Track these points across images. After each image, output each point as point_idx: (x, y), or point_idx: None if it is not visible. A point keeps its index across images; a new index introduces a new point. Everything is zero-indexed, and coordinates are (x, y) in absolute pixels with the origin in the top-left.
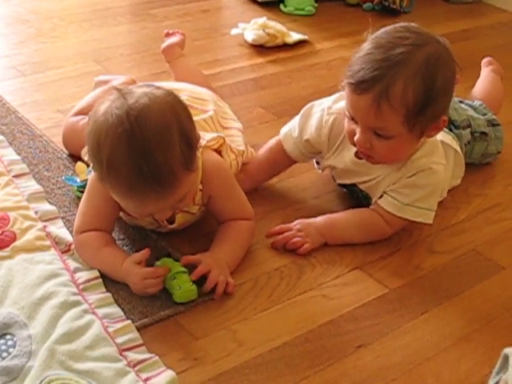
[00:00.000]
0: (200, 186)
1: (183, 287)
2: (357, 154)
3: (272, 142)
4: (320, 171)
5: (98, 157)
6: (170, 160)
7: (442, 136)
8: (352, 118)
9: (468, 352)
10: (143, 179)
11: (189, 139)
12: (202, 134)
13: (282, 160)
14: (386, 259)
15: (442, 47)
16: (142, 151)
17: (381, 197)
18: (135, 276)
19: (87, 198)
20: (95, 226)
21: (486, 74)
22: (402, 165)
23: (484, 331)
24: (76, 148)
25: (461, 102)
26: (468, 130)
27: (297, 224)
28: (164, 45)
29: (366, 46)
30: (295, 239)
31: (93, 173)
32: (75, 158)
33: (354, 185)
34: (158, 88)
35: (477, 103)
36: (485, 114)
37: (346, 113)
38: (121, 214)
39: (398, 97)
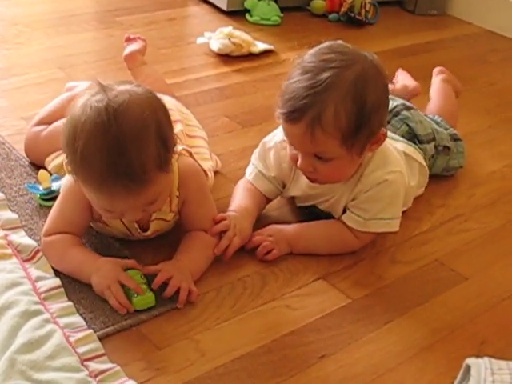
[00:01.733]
0: (177, 193)
1: (140, 294)
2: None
3: (241, 187)
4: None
5: (72, 147)
6: (144, 156)
7: (405, 148)
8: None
9: (430, 362)
10: (115, 173)
11: (165, 140)
12: None
13: (259, 198)
14: (350, 269)
15: (368, 63)
16: (116, 145)
17: (344, 212)
18: (110, 272)
19: (59, 204)
20: (63, 229)
21: (439, 85)
22: (358, 180)
23: (446, 341)
24: (38, 158)
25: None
26: (432, 144)
27: (268, 229)
28: (126, 52)
29: (294, 73)
30: (265, 243)
31: (65, 180)
32: (38, 165)
33: (313, 206)
34: (139, 86)
35: (438, 118)
36: (447, 129)
37: (287, 140)
38: (91, 223)
39: (330, 122)
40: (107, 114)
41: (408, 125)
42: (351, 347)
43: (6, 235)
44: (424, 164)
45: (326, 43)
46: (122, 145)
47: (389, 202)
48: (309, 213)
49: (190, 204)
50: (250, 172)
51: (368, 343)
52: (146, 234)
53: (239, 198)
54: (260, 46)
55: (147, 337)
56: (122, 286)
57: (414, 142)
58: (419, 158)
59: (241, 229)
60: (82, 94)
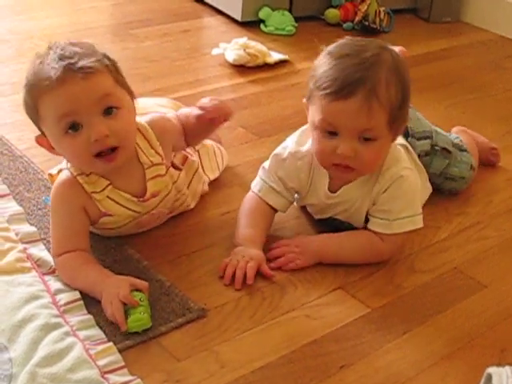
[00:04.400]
0: (158, 143)
1: (132, 316)
2: (330, 187)
3: (248, 205)
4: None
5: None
6: (93, 51)
7: (404, 141)
8: (330, 133)
9: (451, 371)
10: (65, 57)
11: (117, 68)
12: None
13: (267, 214)
14: (368, 279)
15: (395, 52)
16: (68, 46)
17: (367, 221)
18: (116, 288)
19: (53, 222)
20: (70, 246)
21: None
22: (375, 181)
23: (466, 350)
24: None
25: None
26: (426, 141)
27: (295, 240)
28: None
29: (328, 60)
30: (290, 254)
31: (50, 198)
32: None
33: (333, 219)
34: None
35: (453, 135)
36: (455, 139)
37: (317, 133)
38: (98, 231)
39: (384, 94)
40: (60, 44)
41: None
42: (371, 357)
43: (26, 249)
44: (419, 163)
45: (347, 37)
46: (70, 47)
47: (408, 198)
48: (328, 224)
49: (176, 140)
50: (258, 188)
51: (387, 353)
52: (145, 197)
53: (244, 226)
54: (275, 56)
55: (167, 349)
56: (125, 305)
57: (406, 137)
58: (415, 157)
59: (250, 255)
60: None
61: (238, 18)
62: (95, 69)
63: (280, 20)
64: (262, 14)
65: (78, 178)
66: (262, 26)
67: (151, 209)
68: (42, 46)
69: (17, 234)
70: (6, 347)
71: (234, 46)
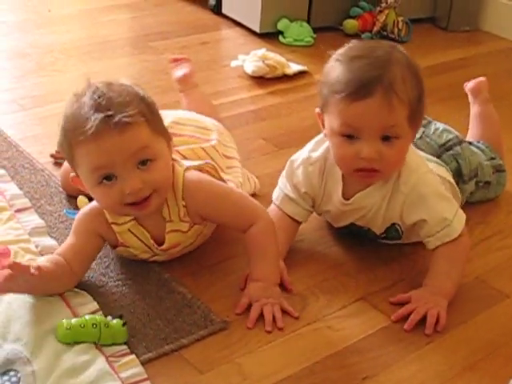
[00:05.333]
0: (183, 202)
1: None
2: (344, 194)
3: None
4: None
5: (63, 118)
6: (127, 99)
7: (435, 168)
8: (350, 137)
9: (474, 382)
10: (101, 110)
11: (150, 103)
12: (187, 161)
13: (289, 226)
14: (390, 289)
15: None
16: (102, 95)
17: (388, 228)
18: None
19: (72, 232)
20: (63, 253)
21: (480, 108)
22: (393, 188)
23: (489, 360)
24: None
25: (470, 143)
26: (473, 181)
27: (414, 300)
28: (178, 74)
29: (339, 63)
30: (433, 311)
31: (70, 213)
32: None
33: (351, 224)
34: None
35: (482, 145)
36: (493, 158)
37: (336, 140)
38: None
39: (402, 88)
40: (97, 89)
41: (458, 161)
42: (393, 368)
43: None
44: (452, 181)
45: (353, 40)
46: (107, 94)
47: (441, 197)
48: (348, 232)
49: (211, 214)
50: (276, 196)
51: (410, 364)
52: (163, 247)
53: None
54: (294, 68)
55: (189, 361)
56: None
57: (458, 180)
58: (449, 177)
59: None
60: None
61: (257, 29)
62: (132, 121)
63: (298, 31)
64: (280, 26)
65: None
66: (280, 37)
67: (170, 255)
68: (61, 59)
69: (37, 247)
70: (30, 360)
71: (253, 58)
